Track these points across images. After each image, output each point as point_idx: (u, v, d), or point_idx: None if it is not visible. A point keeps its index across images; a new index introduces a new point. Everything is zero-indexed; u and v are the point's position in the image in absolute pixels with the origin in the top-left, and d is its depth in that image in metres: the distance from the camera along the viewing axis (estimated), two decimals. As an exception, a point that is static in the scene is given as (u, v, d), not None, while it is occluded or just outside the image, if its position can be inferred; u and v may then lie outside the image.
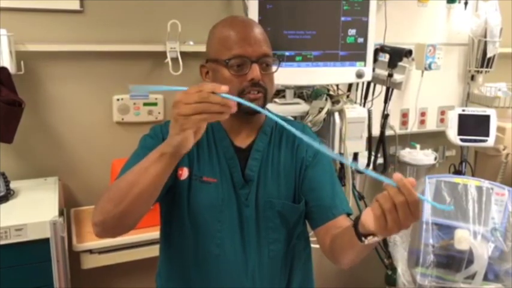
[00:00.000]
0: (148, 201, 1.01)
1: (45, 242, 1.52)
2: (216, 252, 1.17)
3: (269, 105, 1.71)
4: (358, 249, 1.00)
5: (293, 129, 0.89)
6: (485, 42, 2.41)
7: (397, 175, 0.82)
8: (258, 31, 1.15)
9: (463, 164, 2.47)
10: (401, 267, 1.92)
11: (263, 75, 1.12)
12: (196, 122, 0.87)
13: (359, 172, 2.33)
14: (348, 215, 1.19)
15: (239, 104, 1.11)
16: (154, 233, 1.54)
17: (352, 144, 2.00)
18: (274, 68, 1.16)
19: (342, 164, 2.09)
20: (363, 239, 0.93)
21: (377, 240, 0.92)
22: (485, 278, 1.85)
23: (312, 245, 1.30)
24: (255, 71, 1.10)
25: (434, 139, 2.61)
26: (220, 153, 1.18)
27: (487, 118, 2.22)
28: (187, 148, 0.92)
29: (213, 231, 1.16)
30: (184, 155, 1.15)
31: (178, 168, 1.16)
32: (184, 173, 1.16)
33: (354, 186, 2.32)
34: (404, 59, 2.13)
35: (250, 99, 1.11)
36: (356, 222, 0.95)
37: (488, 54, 2.43)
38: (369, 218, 0.88)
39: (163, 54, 1.95)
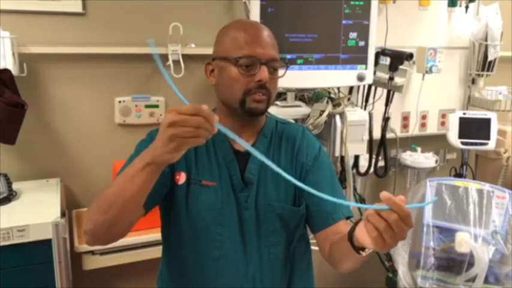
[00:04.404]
0: (134, 209, 1.02)
1: (47, 243, 1.53)
2: (216, 255, 1.17)
3: (270, 108, 1.72)
4: (356, 259, 1.01)
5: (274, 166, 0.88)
6: (486, 46, 2.42)
7: (385, 194, 0.83)
8: (268, 35, 1.16)
9: (464, 167, 2.47)
10: (402, 270, 1.92)
11: (269, 79, 1.13)
12: (191, 144, 0.89)
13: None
14: (348, 218, 1.19)
15: (242, 104, 1.12)
16: (156, 235, 1.54)
17: (353, 147, 2.01)
18: (281, 72, 1.17)
19: (342, 167, 2.09)
20: (361, 252, 0.94)
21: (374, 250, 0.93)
22: (486, 281, 1.85)
23: (313, 248, 1.31)
24: (264, 73, 1.11)
25: (435, 142, 2.61)
26: (219, 156, 1.19)
27: (487, 121, 2.23)
28: (174, 161, 0.93)
29: (213, 234, 1.17)
30: (181, 160, 1.16)
31: (175, 173, 1.17)
32: (182, 177, 1.17)
33: (355, 189, 2.33)
34: (405, 63, 2.13)
35: (255, 100, 1.12)
36: (351, 235, 0.96)
37: (489, 58, 2.44)
38: (363, 237, 0.88)
39: (164, 57, 1.96)
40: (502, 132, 2.40)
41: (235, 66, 1.12)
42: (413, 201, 1.98)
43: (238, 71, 1.12)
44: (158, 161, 0.92)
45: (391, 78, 2.15)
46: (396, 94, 2.28)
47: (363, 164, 2.30)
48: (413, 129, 2.48)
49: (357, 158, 2.25)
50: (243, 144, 0.92)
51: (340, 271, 1.13)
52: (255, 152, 0.89)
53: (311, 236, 1.27)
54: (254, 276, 1.18)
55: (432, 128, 2.56)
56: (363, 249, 0.94)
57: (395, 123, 2.44)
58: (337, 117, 1.97)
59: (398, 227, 0.82)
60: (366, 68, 1.95)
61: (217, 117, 0.88)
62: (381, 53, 2.15)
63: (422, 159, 2.41)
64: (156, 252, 1.35)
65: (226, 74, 1.14)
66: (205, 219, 1.16)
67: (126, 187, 0.96)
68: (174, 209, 1.18)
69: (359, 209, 2.29)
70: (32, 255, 1.53)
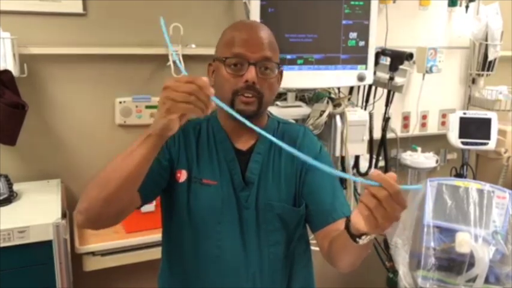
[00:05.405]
0: (131, 187, 1.01)
1: (48, 244, 1.53)
2: (216, 254, 1.17)
3: (271, 108, 1.72)
4: (353, 251, 1.00)
5: (285, 145, 0.92)
6: (486, 46, 2.42)
7: (375, 172, 0.83)
8: (264, 35, 1.14)
9: (464, 167, 2.47)
10: (403, 270, 1.92)
11: (260, 79, 1.11)
12: (182, 109, 0.89)
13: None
14: (348, 217, 1.19)
15: (232, 104, 1.11)
16: (156, 236, 1.54)
17: (353, 147, 2.01)
18: (274, 73, 1.15)
19: (343, 167, 2.09)
20: (357, 239, 0.93)
21: (371, 238, 0.92)
22: (487, 281, 1.85)
23: (313, 248, 1.31)
24: (251, 73, 1.10)
25: (435, 142, 2.61)
26: (220, 155, 1.19)
27: (488, 121, 2.22)
28: (173, 131, 0.93)
29: (213, 232, 1.17)
30: (183, 158, 1.16)
31: (176, 171, 1.17)
32: (183, 175, 1.17)
33: (355, 189, 2.32)
34: (406, 62, 2.13)
35: (242, 101, 1.11)
36: (348, 225, 0.95)
37: (489, 58, 2.44)
38: (358, 220, 0.88)
39: (165, 57, 1.96)
40: (502, 132, 2.40)
41: (224, 66, 1.12)
42: (413, 201, 1.98)
43: (227, 71, 1.12)
44: (156, 131, 0.93)
45: (391, 78, 2.15)
46: (396, 94, 2.28)
47: (364, 164, 2.29)
48: (414, 129, 2.49)
49: (357, 158, 2.24)
50: (244, 121, 0.93)
51: (340, 270, 1.13)
52: (260, 131, 0.91)
53: (311, 236, 1.27)
54: (254, 275, 1.18)
55: (432, 128, 2.57)
56: (359, 236, 0.93)
57: (395, 123, 2.45)
58: (338, 118, 1.97)
59: (389, 204, 0.82)
60: (366, 68, 1.95)
61: (212, 91, 0.90)
62: (381, 53, 2.15)
63: (422, 159, 2.41)
64: (157, 253, 1.35)
65: (219, 74, 1.14)
66: (206, 218, 1.16)
67: (126, 161, 0.96)
68: (174, 208, 1.18)
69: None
70: (32, 256, 1.53)
